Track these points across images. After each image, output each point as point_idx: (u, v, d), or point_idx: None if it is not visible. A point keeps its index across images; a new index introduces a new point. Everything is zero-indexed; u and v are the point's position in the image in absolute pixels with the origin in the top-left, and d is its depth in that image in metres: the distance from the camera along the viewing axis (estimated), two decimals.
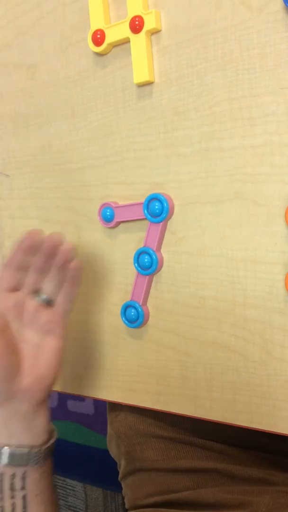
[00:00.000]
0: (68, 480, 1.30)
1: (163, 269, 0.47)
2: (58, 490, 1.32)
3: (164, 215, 0.45)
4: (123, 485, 0.57)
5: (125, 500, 0.56)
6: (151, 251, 0.46)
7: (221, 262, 0.43)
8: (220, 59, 0.41)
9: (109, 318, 0.52)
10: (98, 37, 0.46)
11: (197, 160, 0.43)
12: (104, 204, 0.50)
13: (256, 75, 0.39)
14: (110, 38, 0.46)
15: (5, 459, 0.40)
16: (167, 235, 0.46)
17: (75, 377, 0.55)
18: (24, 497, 0.41)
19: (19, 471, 0.41)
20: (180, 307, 0.46)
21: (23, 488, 0.41)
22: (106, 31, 0.46)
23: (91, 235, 0.52)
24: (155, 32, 0.44)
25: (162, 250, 0.47)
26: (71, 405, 1.27)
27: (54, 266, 0.44)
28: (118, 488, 0.57)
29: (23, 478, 0.41)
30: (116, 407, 0.57)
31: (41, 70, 0.52)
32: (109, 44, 0.46)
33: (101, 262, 0.51)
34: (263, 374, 0.42)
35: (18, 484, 0.40)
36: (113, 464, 0.60)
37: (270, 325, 0.41)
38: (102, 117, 0.49)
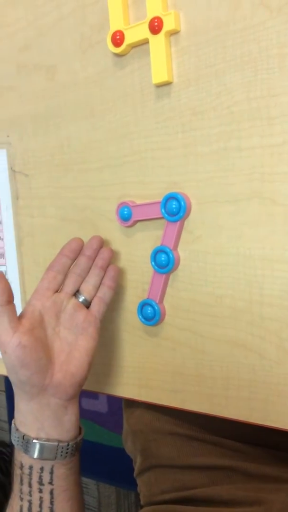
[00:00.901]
0: (81, 478, 1.31)
1: (179, 267, 0.48)
2: None
3: (181, 214, 0.46)
4: (138, 482, 0.58)
5: (140, 497, 0.57)
6: (168, 250, 0.47)
7: (238, 261, 0.43)
8: (239, 59, 0.41)
9: (126, 316, 0.52)
10: (118, 38, 0.47)
11: (215, 159, 0.43)
12: (121, 203, 0.50)
13: (275, 75, 0.39)
14: (129, 39, 0.46)
15: (35, 451, 0.42)
16: (184, 234, 0.47)
17: (92, 374, 0.55)
18: (51, 492, 0.42)
19: (48, 465, 0.42)
20: (196, 305, 0.47)
21: (50, 482, 0.42)
22: (125, 32, 0.47)
23: (108, 234, 0.52)
24: (174, 33, 0.44)
25: (179, 249, 0.47)
26: (85, 403, 1.28)
27: (93, 268, 0.48)
28: (131, 486, 0.58)
29: (51, 472, 0.42)
30: (132, 404, 0.58)
31: (61, 71, 0.53)
32: (128, 45, 0.47)
33: (118, 261, 0.52)
34: (279, 373, 0.42)
35: (46, 478, 0.42)
36: (126, 463, 0.61)
37: (286, 323, 0.41)
38: (120, 117, 0.49)
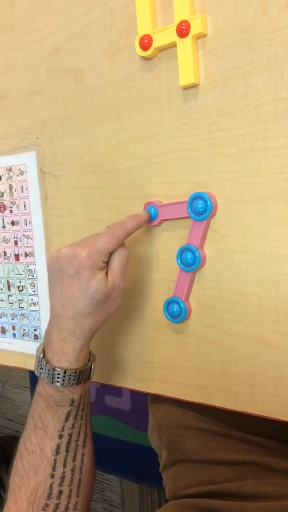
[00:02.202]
0: (105, 475, 1.32)
1: (205, 266, 0.48)
2: (95, 484, 1.35)
3: (208, 213, 0.46)
4: (164, 476, 0.59)
5: (166, 491, 0.58)
6: (194, 248, 0.48)
7: (264, 259, 0.44)
8: (266, 61, 0.42)
9: (152, 313, 0.53)
10: (145, 42, 0.48)
11: (242, 159, 0.44)
12: (148, 203, 0.51)
13: None
14: (157, 42, 0.48)
15: (84, 379, 0.47)
16: (210, 233, 0.48)
17: (118, 370, 0.57)
18: (87, 414, 0.48)
19: (86, 388, 0.48)
20: (222, 303, 0.47)
21: (87, 404, 0.48)
22: (153, 36, 0.48)
23: (135, 233, 0.53)
24: (201, 36, 0.45)
25: (205, 247, 0.48)
26: (109, 400, 1.29)
27: None
28: (154, 483, 0.59)
29: (86, 394, 0.48)
30: (158, 399, 0.59)
31: (90, 74, 0.55)
32: (156, 49, 0.48)
33: (144, 259, 0.53)
34: None
35: (86, 401, 0.48)
36: (149, 460, 0.62)
37: None
38: (148, 119, 0.50)
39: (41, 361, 0.46)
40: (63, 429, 0.46)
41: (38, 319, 0.65)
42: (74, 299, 0.44)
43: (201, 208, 0.47)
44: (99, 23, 0.53)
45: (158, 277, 0.52)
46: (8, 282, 0.68)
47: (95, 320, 0.46)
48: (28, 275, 0.65)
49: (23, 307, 0.67)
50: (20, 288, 0.67)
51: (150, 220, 0.51)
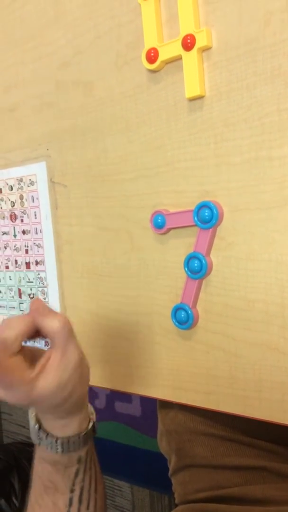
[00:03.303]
0: (115, 481, 1.33)
1: (212, 273, 0.49)
2: (106, 490, 1.35)
3: (214, 222, 0.47)
4: (173, 481, 0.59)
5: (175, 496, 0.58)
6: (201, 256, 0.49)
7: (270, 266, 0.45)
8: (269, 73, 0.43)
9: (160, 320, 0.54)
10: (152, 55, 0.49)
11: (247, 168, 0.45)
12: (155, 212, 0.52)
13: None
14: (163, 55, 0.49)
15: (87, 442, 0.45)
16: (216, 240, 0.48)
17: (127, 376, 0.58)
18: (95, 466, 0.47)
19: (91, 444, 0.47)
20: (229, 310, 0.48)
21: (94, 460, 0.47)
22: (159, 49, 0.49)
23: (143, 241, 0.55)
24: (206, 49, 0.46)
25: (211, 255, 0.49)
26: (119, 406, 1.30)
27: None
28: (165, 489, 0.59)
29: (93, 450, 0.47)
30: (167, 405, 0.59)
31: (98, 87, 0.56)
32: (162, 62, 0.49)
33: (152, 267, 0.54)
34: None
35: (94, 457, 0.47)
36: (159, 466, 0.62)
37: None
38: (155, 130, 0.52)
39: (39, 433, 0.44)
40: (74, 484, 0.45)
41: None
42: (41, 403, 0.41)
43: (207, 217, 0.48)
44: (107, 37, 0.54)
45: (165, 284, 0.53)
46: (19, 290, 0.69)
47: (75, 396, 0.42)
48: (39, 283, 0.67)
49: None
50: (31, 296, 0.68)
51: (158, 228, 0.52)
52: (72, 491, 0.45)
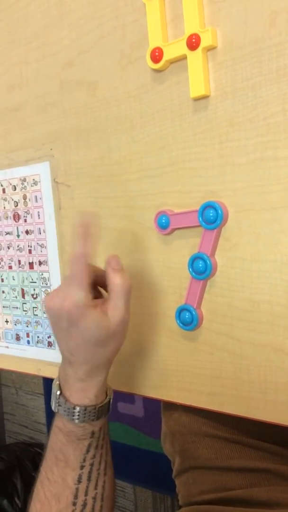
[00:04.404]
0: (118, 481, 1.33)
1: (217, 274, 0.49)
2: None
3: (219, 222, 0.47)
4: (177, 482, 0.59)
5: (179, 497, 0.58)
6: (205, 257, 0.48)
7: (276, 267, 0.44)
8: (275, 73, 0.42)
9: (164, 321, 0.54)
10: (157, 55, 0.49)
11: (252, 169, 0.45)
12: (160, 212, 0.52)
13: None
14: (168, 55, 0.49)
15: (103, 413, 0.47)
16: (221, 241, 0.48)
17: (131, 377, 0.58)
18: (107, 443, 0.49)
19: (105, 420, 0.49)
20: (234, 311, 0.48)
21: (107, 434, 0.49)
22: (164, 49, 0.49)
23: (147, 242, 0.54)
24: (211, 48, 0.46)
25: (216, 256, 0.49)
26: (122, 407, 1.30)
27: None
28: (167, 490, 0.59)
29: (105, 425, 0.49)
30: (171, 406, 0.59)
31: (102, 87, 0.56)
32: (166, 61, 0.49)
33: (156, 267, 0.54)
34: None
35: (106, 431, 0.49)
36: (162, 467, 0.62)
37: None
38: (159, 130, 0.51)
39: (59, 398, 0.46)
40: (84, 460, 0.46)
41: None
42: (81, 346, 0.44)
43: (212, 217, 0.47)
44: (111, 37, 0.54)
45: (170, 285, 0.53)
46: (22, 290, 0.69)
47: (107, 355, 0.46)
48: (42, 283, 0.67)
49: (37, 315, 0.68)
50: (34, 296, 0.68)
51: (162, 228, 0.52)
52: (82, 467, 0.46)
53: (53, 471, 0.47)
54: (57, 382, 0.47)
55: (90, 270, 0.45)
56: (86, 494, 0.46)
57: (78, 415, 0.45)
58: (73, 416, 0.45)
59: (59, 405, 0.46)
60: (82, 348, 0.44)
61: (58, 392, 0.46)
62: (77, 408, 0.45)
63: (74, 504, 0.46)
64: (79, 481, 0.46)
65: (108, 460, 0.49)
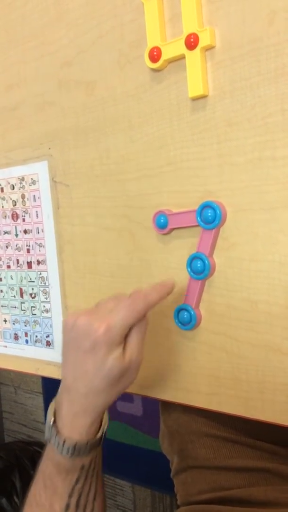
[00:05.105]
0: (117, 480, 1.33)
1: (215, 273, 0.49)
2: (107, 490, 1.35)
3: (217, 222, 0.47)
4: (175, 482, 0.59)
5: (177, 497, 0.58)
6: (204, 257, 0.48)
7: (274, 267, 0.44)
8: (273, 73, 0.42)
9: (163, 321, 0.54)
10: (155, 54, 0.49)
11: (250, 168, 0.45)
12: (158, 212, 0.52)
13: None
14: (166, 54, 0.49)
15: (94, 448, 0.45)
16: (219, 241, 0.48)
17: None
18: (97, 474, 0.46)
19: (96, 452, 0.46)
20: (232, 310, 0.48)
21: (96, 466, 0.46)
22: (162, 48, 0.49)
23: (145, 241, 0.54)
24: (209, 48, 0.46)
25: (214, 255, 0.49)
26: (120, 406, 1.30)
27: None
28: (166, 489, 0.59)
29: (96, 457, 0.46)
30: (169, 406, 0.59)
31: (100, 86, 0.56)
32: (165, 61, 0.49)
33: (154, 267, 0.54)
34: None
35: (97, 463, 0.46)
36: (161, 465, 0.62)
37: None
38: (157, 130, 0.51)
39: (52, 428, 0.44)
40: (73, 490, 0.45)
41: (50, 326, 0.66)
42: (88, 376, 0.42)
43: (210, 217, 0.47)
44: (110, 36, 0.54)
45: None
46: (21, 289, 0.69)
47: (109, 397, 0.44)
48: (40, 282, 0.66)
49: (35, 314, 0.68)
50: (33, 295, 0.68)
51: (160, 228, 0.52)
52: (70, 496, 0.45)
53: (41, 495, 0.46)
54: (53, 410, 0.45)
55: (148, 310, 0.44)
56: None
57: (68, 450, 0.43)
58: (63, 450, 0.43)
59: (50, 434, 0.44)
60: (89, 378, 0.42)
61: (52, 421, 0.45)
62: (67, 443, 0.43)
63: None
64: (67, 509, 0.45)
65: (98, 487, 0.47)
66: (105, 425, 0.46)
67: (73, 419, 0.44)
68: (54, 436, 0.44)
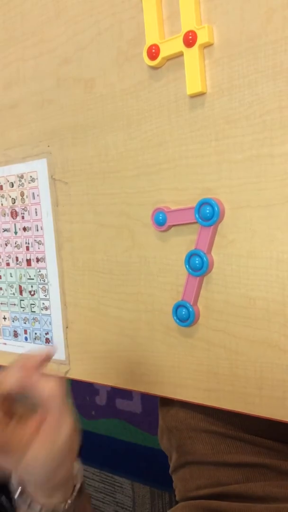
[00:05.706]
0: (116, 477, 1.33)
1: (213, 270, 0.49)
2: (107, 487, 1.36)
3: (215, 219, 0.47)
4: (173, 478, 0.60)
5: (176, 492, 0.58)
6: (202, 253, 0.49)
7: (271, 264, 0.45)
8: (271, 70, 0.43)
9: (161, 317, 0.54)
10: (153, 52, 0.49)
11: (248, 166, 0.45)
12: (156, 209, 0.52)
13: None
14: (164, 52, 0.49)
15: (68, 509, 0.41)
16: (217, 238, 0.48)
17: (128, 373, 0.58)
18: None
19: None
20: (230, 307, 0.48)
21: None
22: (160, 46, 0.49)
23: (144, 238, 0.55)
24: (207, 45, 0.46)
25: (212, 252, 0.49)
26: (119, 403, 1.30)
27: None
28: (165, 486, 0.60)
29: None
30: (168, 402, 0.59)
31: (99, 84, 0.56)
32: (163, 58, 0.49)
33: (153, 264, 0.54)
34: None
35: None
36: (160, 463, 0.63)
37: None
38: (156, 127, 0.51)
39: (22, 497, 0.41)
40: None
41: (50, 323, 0.66)
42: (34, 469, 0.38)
43: (208, 214, 0.47)
44: (108, 34, 0.54)
45: (166, 282, 0.53)
46: (20, 287, 0.69)
47: (62, 470, 0.39)
48: (40, 279, 0.67)
49: (34, 311, 0.68)
50: (32, 293, 0.68)
51: (159, 225, 0.52)
52: None
53: None
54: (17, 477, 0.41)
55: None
56: None
57: None
58: None
59: (23, 503, 0.41)
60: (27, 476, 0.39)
61: (20, 489, 0.41)
62: (44, 510, 0.40)
63: None
64: None
65: None
66: (77, 478, 0.43)
67: (46, 491, 0.41)
68: (27, 505, 0.41)
